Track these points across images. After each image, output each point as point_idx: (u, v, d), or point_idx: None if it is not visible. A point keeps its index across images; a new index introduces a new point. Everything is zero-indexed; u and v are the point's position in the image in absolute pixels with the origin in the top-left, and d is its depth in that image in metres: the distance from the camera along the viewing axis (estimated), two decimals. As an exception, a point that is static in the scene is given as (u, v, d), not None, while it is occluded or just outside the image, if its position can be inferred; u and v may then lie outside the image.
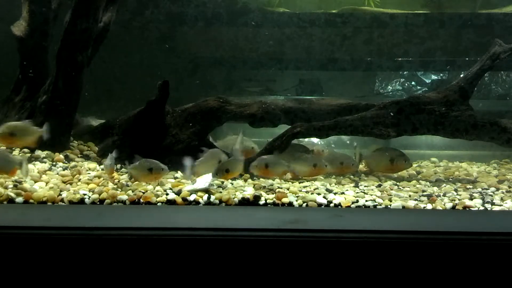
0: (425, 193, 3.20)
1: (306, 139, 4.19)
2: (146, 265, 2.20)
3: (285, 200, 2.89)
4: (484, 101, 5.67)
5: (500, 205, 2.93)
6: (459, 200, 3.02)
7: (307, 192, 3.11)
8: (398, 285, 2.22)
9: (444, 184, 3.52)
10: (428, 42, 5.20)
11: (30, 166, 3.29)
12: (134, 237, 2.20)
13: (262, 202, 2.89)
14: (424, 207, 2.89)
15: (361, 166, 3.89)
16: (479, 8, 5.28)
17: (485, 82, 5.76)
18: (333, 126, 3.63)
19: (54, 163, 3.44)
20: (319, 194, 3.05)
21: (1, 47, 4.07)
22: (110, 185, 3.08)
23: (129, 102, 4.09)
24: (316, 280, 2.22)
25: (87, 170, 3.37)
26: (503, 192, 3.28)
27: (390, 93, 6.09)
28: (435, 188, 3.39)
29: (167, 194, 2.91)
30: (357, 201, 2.92)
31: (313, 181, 3.43)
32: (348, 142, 5.06)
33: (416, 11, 5.22)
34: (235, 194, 2.94)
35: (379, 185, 3.41)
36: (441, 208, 2.88)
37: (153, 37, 5.12)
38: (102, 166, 3.48)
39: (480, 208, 2.90)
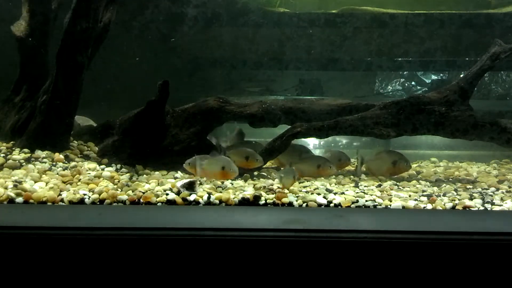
0: (425, 193, 3.20)
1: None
2: (146, 265, 2.20)
3: (285, 200, 2.89)
4: (484, 101, 5.68)
5: (500, 205, 2.93)
6: (459, 200, 3.02)
7: (307, 192, 3.11)
8: (398, 285, 2.22)
9: (444, 184, 3.52)
10: (428, 42, 5.20)
11: (30, 166, 3.29)
12: (134, 237, 2.20)
13: (262, 202, 2.89)
14: (424, 207, 2.89)
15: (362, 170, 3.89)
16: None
17: (485, 82, 5.76)
18: (333, 126, 3.63)
19: (54, 163, 3.43)
20: (319, 194, 3.05)
21: (1, 47, 4.07)
22: (110, 185, 3.08)
23: (129, 102, 4.09)
24: (316, 280, 2.22)
25: (87, 170, 3.37)
26: (503, 192, 3.28)
27: (390, 93, 6.10)
28: (435, 188, 3.39)
29: (167, 194, 2.91)
30: (357, 201, 2.92)
31: (313, 181, 3.44)
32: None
33: (416, 11, 5.22)
34: (235, 194, 2.94)
35: (379, 185, 3.41)
36: (441, 208, 2.88)
37: (153, 37, 5.12)
38: (104, 168, 3.49)
39: (480, 208, 2.90)
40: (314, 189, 3.17)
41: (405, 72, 6.03)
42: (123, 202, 2.81)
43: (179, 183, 2.99)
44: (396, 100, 3.71)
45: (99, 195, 2.85)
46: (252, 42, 5.24)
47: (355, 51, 5.26)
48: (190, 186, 2.96)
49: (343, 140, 5.33)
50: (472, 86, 3.67)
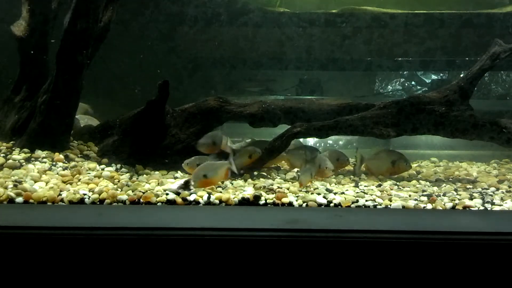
0: (425, 193, 3.20)
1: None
2: (146, 265, 2.20)
3: (285, 200, 2.89)
4: (484, 101, 5.68)
5: (500, 205, 2.93)
6: (459, 200, 3.02)
7: (307, 192, 3.11)
8: (397, 285, 2.22)
9: (444, 184, 3.52)
10: (428, 42, 5.20)
11: (30, 166, 3.29)
12: (134, 237, 2.20)
13: (262, 202, 2.89)
14: (424, 207, 2.89)
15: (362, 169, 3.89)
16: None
17: (485, 82, 5.77)
18: (333, 126, 3.62)
19: (54, 163, 3.43)
20: (319, 194, 3.05)
21: (1, 47, 4.07)
22: (110, 185, 3.08)
23: (129, 102, 4.09)
24: (316, 280, 2.22)
25: (87, 170, 3.37)
26: (503, 192, 3.28)
27: (390, 93, 6.11)
28: (435, 188, 3.38)
29: (167, 194, 2.90)
30: (357, 201, 2.92)
31: (313, 181, 3.43)
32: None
33: (416, 11, 5.22)
34: (235, 194, 2.94)
35: (379, 185, 3.41)
36: (441, 208, 2.88)
37: (153, 37, 5.12)
38: (103, 167, 3.49)
39: (480, 208, 2.90)
40: (314, 189, 3.17)
41: (405, 72, 6.04)
42: (123, 202, 2.81)
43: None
44: (396, 100, 3.71)
45: (99, 195, 2.85)
46: (252, 42, 5.24)
47: (355, 51, 5.26)
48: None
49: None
50: (472, 86, 3.67)
